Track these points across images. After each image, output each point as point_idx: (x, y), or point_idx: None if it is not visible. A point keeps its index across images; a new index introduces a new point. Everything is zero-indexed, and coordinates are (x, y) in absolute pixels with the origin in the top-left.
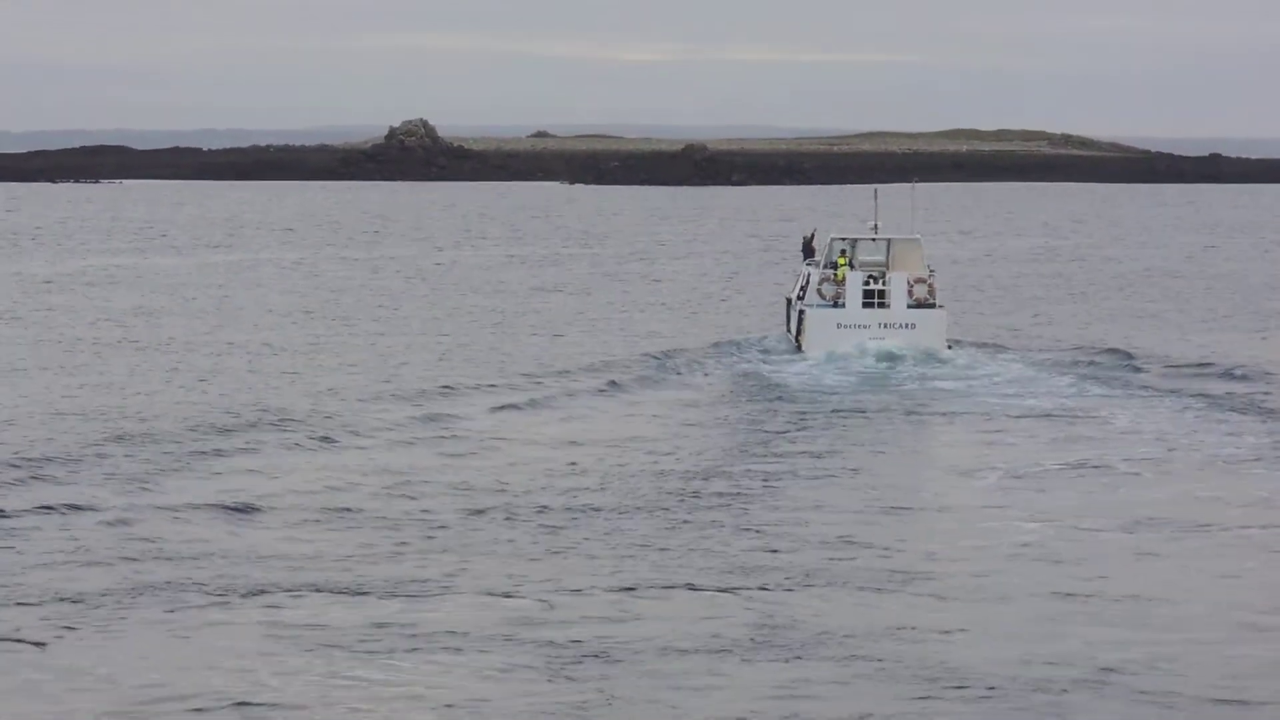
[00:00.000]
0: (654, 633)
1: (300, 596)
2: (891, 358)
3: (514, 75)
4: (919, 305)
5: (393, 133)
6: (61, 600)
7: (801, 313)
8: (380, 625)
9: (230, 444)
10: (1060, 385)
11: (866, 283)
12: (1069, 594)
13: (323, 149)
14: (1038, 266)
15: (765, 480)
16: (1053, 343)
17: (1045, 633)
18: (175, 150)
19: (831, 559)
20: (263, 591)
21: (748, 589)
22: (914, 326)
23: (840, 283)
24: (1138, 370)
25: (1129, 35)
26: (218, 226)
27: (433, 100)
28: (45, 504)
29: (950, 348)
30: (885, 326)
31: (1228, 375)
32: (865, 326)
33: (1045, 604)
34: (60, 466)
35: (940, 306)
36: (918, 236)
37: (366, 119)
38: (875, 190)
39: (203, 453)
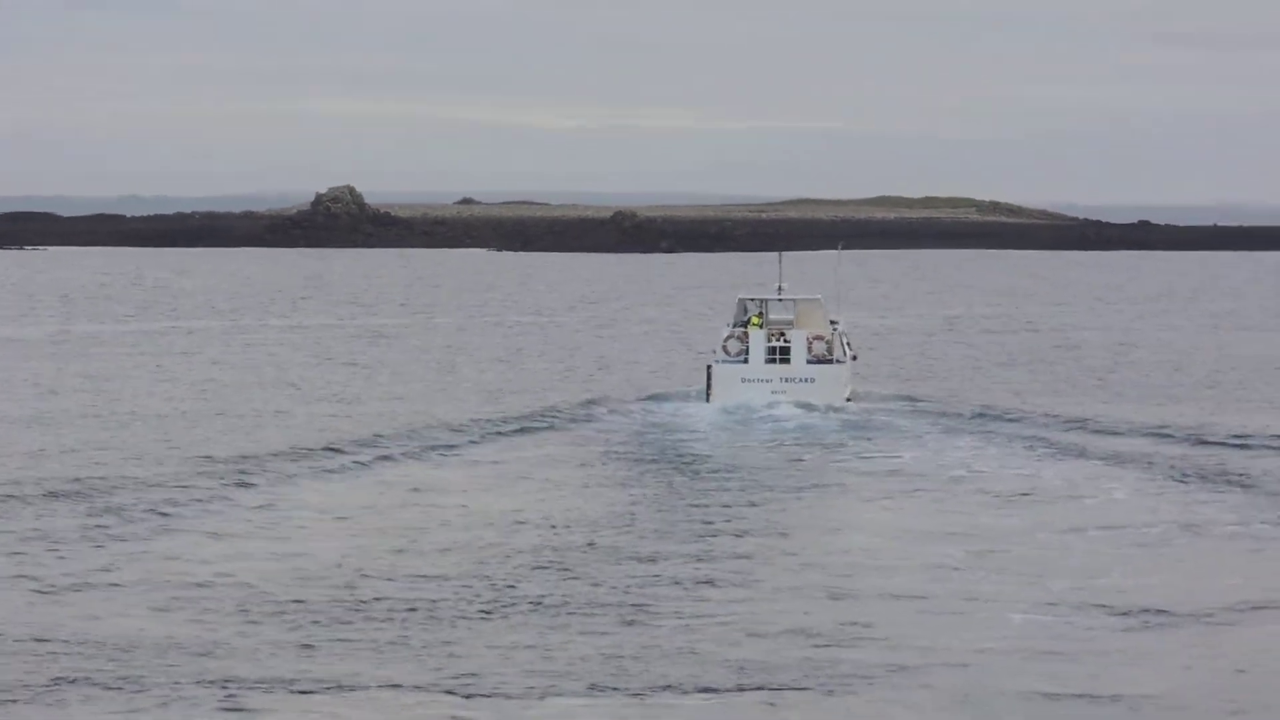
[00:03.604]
0: None
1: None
2: (800, 409)
3: (439, 142)
4: (819, 361)
5: (319, 199)
6: None
7: (709, 367)
8: None
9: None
10: (985, 449)
11: (769, 340)
12: (1061, 694)
13: (248, 216)
14: (962, 335)
15: (711, 561)
16: (971, 406)
17: None
18: (100, 217)
19: (806, 653)
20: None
21: (727, 690)
22: (813, 380)
23: (745, 340)
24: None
25: (1059, 102)
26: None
27: (359, 167)
28: None
29: (850, 401)
30: (786, 380)
31: (1169, 438)
32: (767, 380)
33: (1038, 708)
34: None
35: (840, 362)
36: (819, 296)
37: (292, 185)
38: (779, 255)
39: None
